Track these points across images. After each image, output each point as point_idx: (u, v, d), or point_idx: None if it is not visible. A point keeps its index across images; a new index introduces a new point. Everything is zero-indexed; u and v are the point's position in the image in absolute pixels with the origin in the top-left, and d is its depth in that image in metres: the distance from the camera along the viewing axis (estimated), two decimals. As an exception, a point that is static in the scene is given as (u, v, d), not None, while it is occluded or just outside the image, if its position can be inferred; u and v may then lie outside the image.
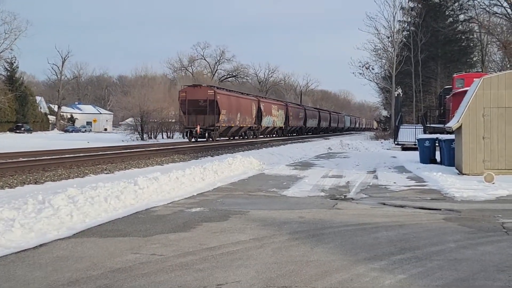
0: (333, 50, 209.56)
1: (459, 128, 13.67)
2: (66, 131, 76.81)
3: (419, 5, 47.42)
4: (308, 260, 5.18)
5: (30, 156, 19.22)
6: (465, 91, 15.95)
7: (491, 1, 36.39)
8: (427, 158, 18.11)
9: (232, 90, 48.67)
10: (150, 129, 45.35)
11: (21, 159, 17.84)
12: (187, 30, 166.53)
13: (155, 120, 45.77)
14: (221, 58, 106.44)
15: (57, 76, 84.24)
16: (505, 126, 13.23)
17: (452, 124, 14.14)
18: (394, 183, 12.23)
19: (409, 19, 48.84)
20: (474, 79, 15.71)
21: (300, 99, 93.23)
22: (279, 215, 7.74)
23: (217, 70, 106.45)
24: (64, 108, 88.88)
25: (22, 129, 65.68)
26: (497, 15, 37.51)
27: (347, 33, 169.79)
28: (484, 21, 39.57)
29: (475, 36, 47.21)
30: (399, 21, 47.90)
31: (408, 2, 48.25)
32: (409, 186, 11.71)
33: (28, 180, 12.66)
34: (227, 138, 42.47)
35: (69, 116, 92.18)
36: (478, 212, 8.19)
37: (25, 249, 5.62)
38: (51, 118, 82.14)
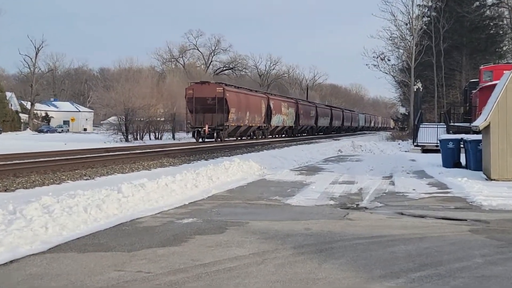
0: (344, 39, 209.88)
1: (487, 127, 13.66)
2: (40, 131, 76.85)
3: (441, -13, 47.55)
4: (316, 278, 5.20)
5: (-1, 160, 19.24)
6: (494, 85, 15.95)
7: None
8: (451, 161, 18.12)
9: (240, 87, 50.69)
10: (136, 129, 45.43)
11: (-11, 163, 17.84)
12: (177, 16, 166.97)
13: (142, 119, 45.84)
14: (217, 48, 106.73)
15: (29, 69, 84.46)
16: (539, 125, 13.23)
17: (479, 122, 14.13)
18: (413, 190, 12.25)
19: (430, 3, 48.97)
20: (504, 71, 15.72)
21: (306, 94, 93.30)
22: (283, 227, 7.77)
23: (211, 61, 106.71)
24: (38, 106, 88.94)
25: (-11, 129, 65.85)
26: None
27: (359, 19, 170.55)
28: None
29: (505, 22, 47.27)
30: (419, 5, 48.08)
31: (429, -17, 48.48)
32: (430, 193, 11.74)
33: (-3, 187, 12.68)
34: (235, 139, 44.36)
35: (43, 115, 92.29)
36: (509, 222, 8.22)
37: (-6, 266, 5.64)
38: (23, 116, 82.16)
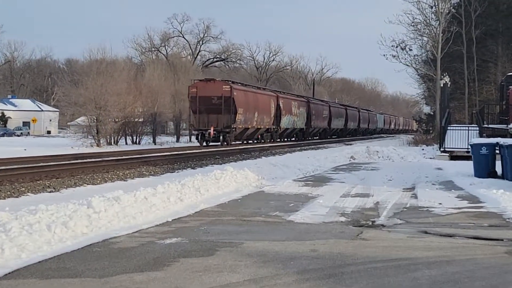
0: (357, 25, 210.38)
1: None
2: (-5, 134, 76.82)
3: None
4: (323, 309, 5.19)
5: None
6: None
7: None
8: (484, 170, 18.17)
9: (247, 84, 54.10)
10: (110, 131, 45.36)
11: None
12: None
13: (117, 120, 45.79)
14: (206, 35, 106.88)
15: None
16: None
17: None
18: (440, 204, 12.30)
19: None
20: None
21: (312, 91, 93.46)
22: (284, 248, 7.78)
23: (200, 51, 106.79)
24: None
25: None
26: None
27: (375, 1, 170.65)
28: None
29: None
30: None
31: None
32: (459, 208, 11.80)
33: None
34: (240, 142, 46.61)
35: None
36: (554, 243, 8.22)
37: None
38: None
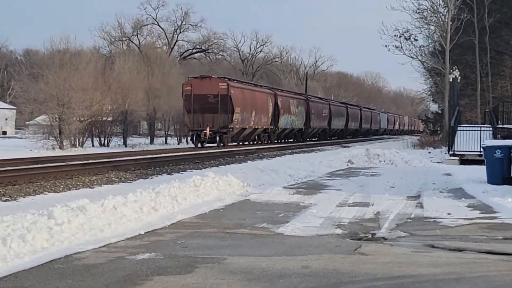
0: (356, 12, 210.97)
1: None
2: None
3: None
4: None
5: None
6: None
7: None
8: (499, 176, 18.25)
9: (244, 81, 57.21)
10: (74, 132, 45.15)
11: None
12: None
13: (82, 119, 45.61)
14: (184, 23, 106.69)
15: None
16: None
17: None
18: (448, 214, 12.38)
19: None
20: None
21: (305, 86, 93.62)
22: (272, 264, 7.79)
23: (177, 41, 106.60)
24: None
25: None
26: None
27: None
28: None
29: None
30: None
31: None
32: (471, 219, 11.89)
33: None
34: (236, 144, 48.49)
35: None
36: None
37: None
38: None
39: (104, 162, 25.90)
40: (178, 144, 58.21)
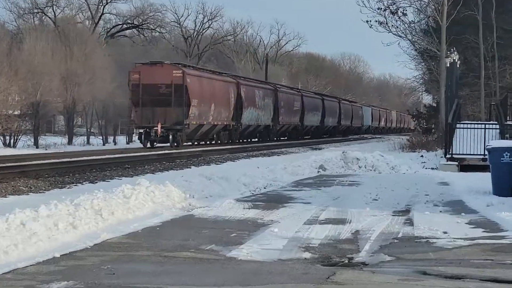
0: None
1: None
2: None
3: None
4: None
5: None
6: None
7: None
8: (507, 185, 18.39)
9: (200, 68, 57.79)
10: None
11: None
12: None
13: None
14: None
15: None
16: None
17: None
18: (445, 233, 12.46)
19: None
20: None
21: (265, 70, 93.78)
22: (221, 297, 7.72)
23: (102, 14, 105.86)
24: None
25: None
26: None
27: None
28: None
29: None
30: None
31: None
32: (472, 239, 11.96)
33: None
34: (190, 144, 49.74)
35: None
36: None
37: None
38: None
39: (9, 166, 25.62)
40: (104, 145, 57.85)
